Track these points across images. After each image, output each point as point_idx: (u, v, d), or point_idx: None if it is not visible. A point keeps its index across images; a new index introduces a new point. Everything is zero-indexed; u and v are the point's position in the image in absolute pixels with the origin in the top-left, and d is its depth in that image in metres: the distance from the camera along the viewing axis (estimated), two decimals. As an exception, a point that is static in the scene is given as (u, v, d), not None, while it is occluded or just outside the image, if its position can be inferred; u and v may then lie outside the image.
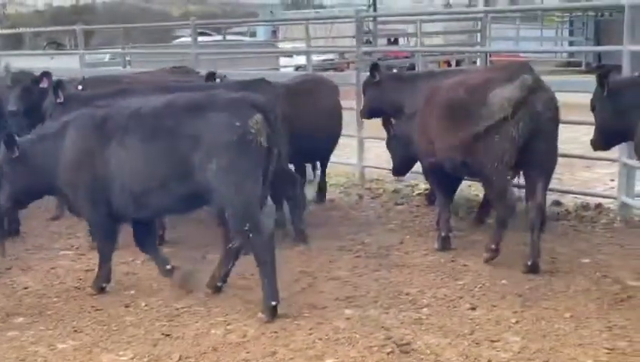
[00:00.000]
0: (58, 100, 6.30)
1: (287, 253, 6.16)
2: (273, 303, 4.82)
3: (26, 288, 5.59)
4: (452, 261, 5.92)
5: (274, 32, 30.08)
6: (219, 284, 5.33)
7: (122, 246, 6.19)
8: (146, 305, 5.16)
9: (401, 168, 7.21)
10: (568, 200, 7.39)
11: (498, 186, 5.50)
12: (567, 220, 6.98)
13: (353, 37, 9.60)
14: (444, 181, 6.24)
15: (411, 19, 17.42)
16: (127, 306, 5.17)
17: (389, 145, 7.20)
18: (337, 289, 5.38)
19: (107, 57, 15.44)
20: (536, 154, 5.40)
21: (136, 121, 5.00)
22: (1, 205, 5.33)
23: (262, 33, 31.06)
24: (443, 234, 6.21)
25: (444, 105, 5.77)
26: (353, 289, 5.38)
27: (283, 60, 19.29)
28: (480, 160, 5.47)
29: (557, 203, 7.35)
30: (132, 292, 5.44)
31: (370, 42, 17.91)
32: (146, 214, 5.25)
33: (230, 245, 5.23)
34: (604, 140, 5.63)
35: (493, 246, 5.68)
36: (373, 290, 5.35)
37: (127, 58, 14.33)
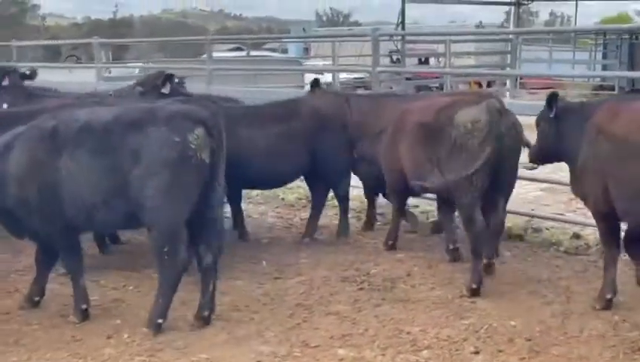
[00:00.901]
0: None
1: (287, 284, 5.86)
2: (160, 321, 4.87)
3: (7, 313, 5.33)
4: (460, 297, 5.54)
5: (306, 49, 29.95)
6: (204, 314, 5.03)
7: (116, 268, 6.01)
8: (128, 337, 4.86)
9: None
10: (588, 233, 6.94)
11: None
12: (586, 255, 6.56)
13: (384, 55, 9.33)
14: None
15: (441, 39, 17.05)
16: (109, 337, 4.87)
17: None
18: (334, 326, 5.03)
19: (137, 71, 15.33)
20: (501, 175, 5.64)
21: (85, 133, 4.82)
22: None
23: (293, 50, 30.95)
24: (451, 246, 6.33)
25: None
26: (351, 326, 5.02)
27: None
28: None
29: (576, 236, 6.92)
30: (117, 321, 5.14)
31: (399, 61, 17.63)
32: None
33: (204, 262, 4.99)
34: (541, 156, 5.71)
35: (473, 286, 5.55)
36: (372, 328, 4.99)
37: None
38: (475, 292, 5.48)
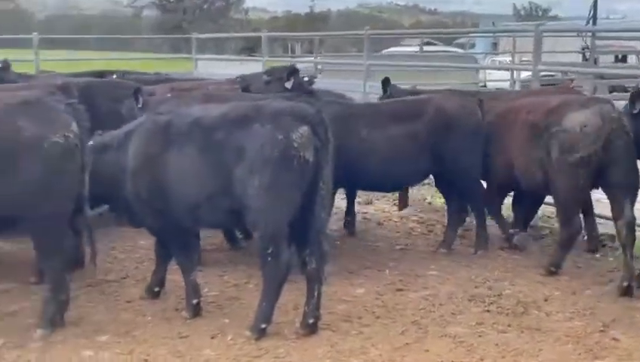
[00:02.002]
0: (138, 105, 6.33)
1: (408, 297, 5.48)
2: (263, 325, 4.71)
3: (129, 301, 5.43)
4: (601, 331, 4.87)
5: (494, 45, 28.88)
6: (309, 322, 4.79)
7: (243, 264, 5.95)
8: (231, 339, 4.72)
9: None
10: None
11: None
12: None
13: (577, 52, 8.64)
14: None
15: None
16: (213, 337, 4.77)
17: None
18: (446, 351, 4.60)
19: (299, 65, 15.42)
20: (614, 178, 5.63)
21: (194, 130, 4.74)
22: None
23: (481, 45, 29.95)
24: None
25: None
26: (465, 353, 4.57)
27: (498, 74, 18.24)
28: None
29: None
30: (226, 320, 5.04)
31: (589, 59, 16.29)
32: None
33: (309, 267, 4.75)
34: None
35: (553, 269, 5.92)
36: (489, 357, 4.51)
37: (319, 67, 14.25)
38: (551, 273, 5.89)
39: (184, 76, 9.95)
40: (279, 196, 4.55)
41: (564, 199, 5.89)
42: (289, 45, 29.75)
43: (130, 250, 6.52)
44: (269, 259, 4.60)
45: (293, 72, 6.83)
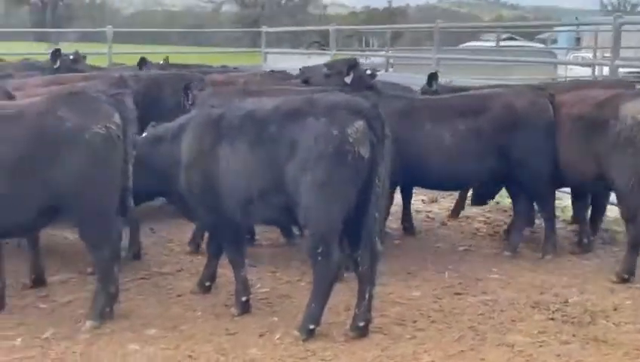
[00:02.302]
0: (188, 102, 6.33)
1: (467, 302, 5.23)
2: (312, 326, 4.54)
3: (179, 295, 5.37)
4: (675, 346, 4.51)
5: (578, 40, 27.90)
6: (360, 324, 4.60)
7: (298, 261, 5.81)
8: (278, 338, 4.59)
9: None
10: None
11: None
12: None
13: None
14: None
15: None
16: (260, 335, 4.65)
17: None
18: (504, 360, 4.34)
19: (366, 60, 15.08)
20: None
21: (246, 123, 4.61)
22: None
23: (563, 41, 29.00)
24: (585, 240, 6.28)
25: None
26: (522, 364, 4.30)
27: (579, 71, 17.59)
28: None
29: None
30: (275, 319, 4.92)
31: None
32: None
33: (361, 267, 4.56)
34: None
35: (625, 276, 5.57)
36: (548, 369, 4.23)
37: (391, 61, 13.99)
38: (623, 280, 5.50)
39: (244, 69, 9.89)
40: (332, 193, 4.38)
41: (628, 195, 5.57)
42: (363, 39, 29.51)
43: (186, 243, 6.46)
44: (319, 258, 4.44)
45: (353, 65, 6.64)
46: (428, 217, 7.66)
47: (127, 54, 14.42)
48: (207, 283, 5.39)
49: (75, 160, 4.45)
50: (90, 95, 4.74)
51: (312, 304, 4.58)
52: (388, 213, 6.20)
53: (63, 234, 6.47)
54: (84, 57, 9.19)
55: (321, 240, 4.43)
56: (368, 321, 4.61)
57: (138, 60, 8.61)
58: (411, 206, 7.10)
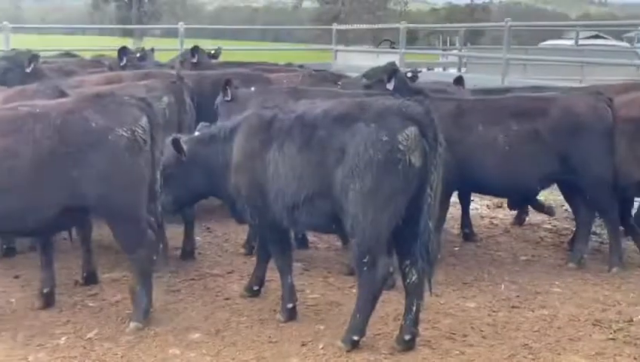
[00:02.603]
0: (226, 98, 6.24)
1: (524, 316, 4.97)
2: (356, 338, 4.41)
3: (227, 298, 5.31)
4: None
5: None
6: (406, 338, 4.42)
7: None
8: (322, 348, 4.47)
9: None
10: None
11: None
12: None
13: None
14: None
15: None
16: (303, 344, 4.55)
17: None
18: (555, 383, 4.10)
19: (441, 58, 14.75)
20: None
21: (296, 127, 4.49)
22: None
23: (651, 40, 27.70)
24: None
25: None
26: (578, 387, 4.04)
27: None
28: None
29: None
30: (321, 327, 4.79)
31: None
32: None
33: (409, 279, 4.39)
34: None
35: None
36: (605, 395, 3.95)
37: (464, 60, 13.63)
38: None
39: (307, 67, 9.78)
40: (380, 202, 4.22)
41: None
42: (440, 37, 28.96)
43: (242, 244, 6.41)
44: (365, 268, 4.29)
45: (392, 72, 6.39)
46: (491, 223, 7.39)
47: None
48: (256, 288, 5.32)
49: (98, 161, 4.46)
50: (118, 98, 4.73)
51: (357, 315, 4.44)
52: (442, 223, 5.96)
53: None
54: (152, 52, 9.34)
55: (367, 250, 4.28)
56: (415, 334, 4.44)
57: (118, 50, 8.52)
58: (475, 211, 6.86)
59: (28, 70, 6.72)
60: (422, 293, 4.41)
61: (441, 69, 15.01)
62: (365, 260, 4.28)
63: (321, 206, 4.44)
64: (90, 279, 5.47)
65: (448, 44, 24.55)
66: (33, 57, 6.86)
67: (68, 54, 11.17)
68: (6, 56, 7.21)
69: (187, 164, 4.97)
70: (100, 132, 4.46)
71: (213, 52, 9.74)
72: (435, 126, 4.23)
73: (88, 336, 4.60)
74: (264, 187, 4.63)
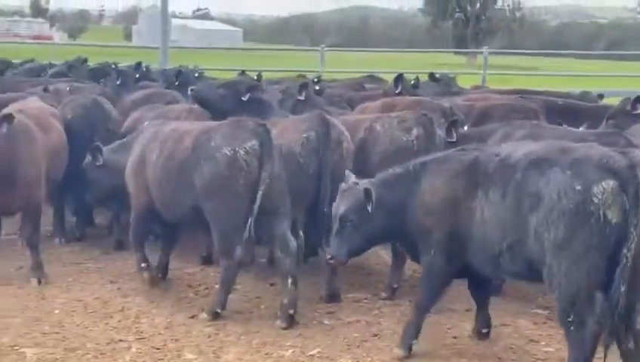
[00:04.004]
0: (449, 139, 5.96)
1: None
2: None
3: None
4: None
5: None
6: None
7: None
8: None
9: None
10: None
11: None
12: None
13: None
14: None
15: None
16: None
17: None
18: None
19: None
20: None
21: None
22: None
23: None
24: None
25: None
26: None
27: None
28: None
29: None
30: None
31: None
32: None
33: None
34: None
35: None
36: None
37: None
38: None
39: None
40: (575, 256, 3.93)
41: None
42: None
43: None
44: (572, 327, 4.01)
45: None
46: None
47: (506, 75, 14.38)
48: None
49: (206, 172, 5.27)
50: (241, 122, 5.40)
51: None
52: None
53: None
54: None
55: (570, 306, 3.99)
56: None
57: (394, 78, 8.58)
58: None
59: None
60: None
61: None
62: (570, 319, 4.01)
63: (520, 252, 4.23)
64: (332, 298, 5.76)
65: None
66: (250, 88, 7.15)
67: (371, 77, 11.85)
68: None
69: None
70: (213, 149, 5.27)
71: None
72: (638, 182, 3.81)
73: (310, 353, 4.88)
74: (466, 231, 4.48)
